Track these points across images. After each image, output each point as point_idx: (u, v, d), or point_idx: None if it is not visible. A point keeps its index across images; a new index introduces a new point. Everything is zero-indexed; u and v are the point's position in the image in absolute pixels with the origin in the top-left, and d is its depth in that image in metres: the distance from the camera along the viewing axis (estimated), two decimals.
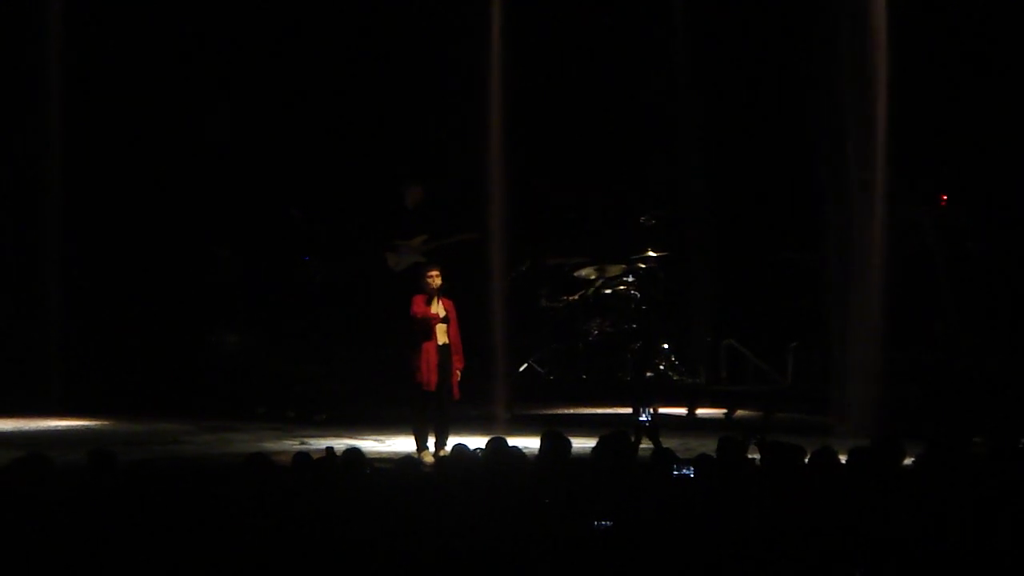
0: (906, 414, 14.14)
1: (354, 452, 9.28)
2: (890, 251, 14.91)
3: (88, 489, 8.39)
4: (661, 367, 17.31)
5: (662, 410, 14.00)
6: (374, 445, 13.57)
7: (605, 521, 8.23)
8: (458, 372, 13.07)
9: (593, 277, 17.63)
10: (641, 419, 13.16)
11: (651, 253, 17.55)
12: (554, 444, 9.48)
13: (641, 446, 11.71)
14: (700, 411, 16.22)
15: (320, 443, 13.30)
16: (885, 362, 14.65)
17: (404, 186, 17.00)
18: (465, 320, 13.37)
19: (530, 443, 10.29)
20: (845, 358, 15.02)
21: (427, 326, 12.91)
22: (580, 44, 18.00)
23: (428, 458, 12.66)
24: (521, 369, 17.35)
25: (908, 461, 9.25)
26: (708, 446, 9.85)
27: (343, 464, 9.09)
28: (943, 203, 16.93)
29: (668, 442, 11.98)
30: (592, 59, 18.10)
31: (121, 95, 17.20)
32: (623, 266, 17.59)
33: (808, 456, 9.10)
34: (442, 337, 12.97)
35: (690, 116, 18.08)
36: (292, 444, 13.60)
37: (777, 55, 17.19)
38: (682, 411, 16.06)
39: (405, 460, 9.60)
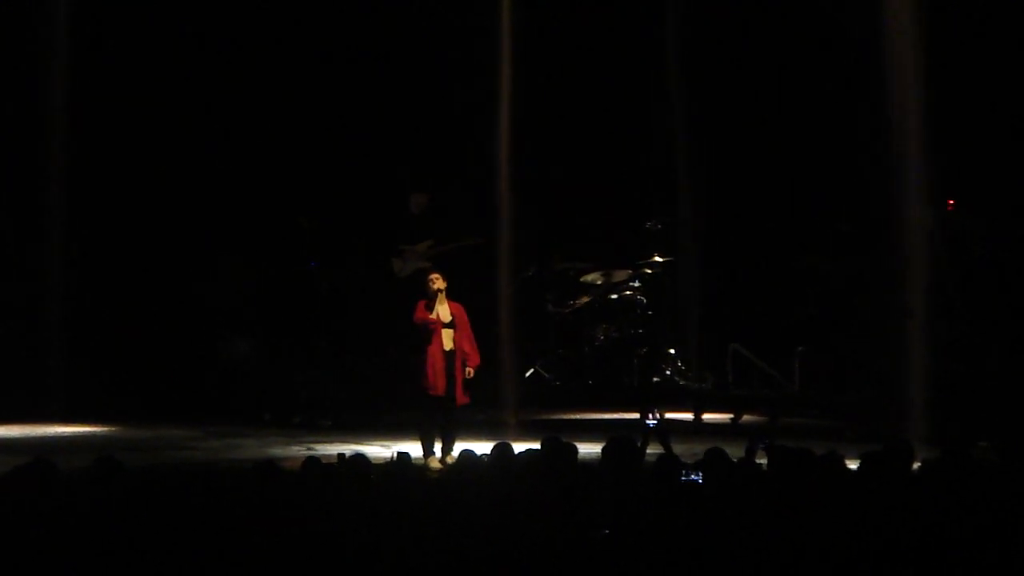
0: (913, 419, 14.09)
1: (360, 458, 9.27)
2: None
3: (94, 496, 8.37)
4: (667, 372, 17.29)
5: (668, 415, 13.95)
6: (380, 451, 13.53)
7: (606, 529, 8.20)
8: (471, 370, 12.93)
9: (599, 282, 17.61)
10: (648, 424, 13.12)
11: (657, 258, 17.55)
12: (552, 451, 9.45)
13: (647, 451, 11.70)
14: (707, 416, 16.17)
15: (326, 449, 13.28)
16: (902, 367, 14.54)
17: (409, 191, 17.05)
18: (473, 325, 13.30)
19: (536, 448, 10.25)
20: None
21: (427, 331, 12.83)
22: (582, 45, 17.97)
23: (434, 464, 12.63)
24: (527, 374, 17.32)
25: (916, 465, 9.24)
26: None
27: (349, 469, 9.08)
28: (950, 207, 16.86)
29: (675, 447, 11.95)
30: (596, 61, 18.06)
31: (125, 97, 17.19)
32: (629, 271, 17.58)
33: (816, 460, 9.07)
34: (448, 342, 12.87)
35: (698, 117, 18.04)
36: (299, 450, 13.59)
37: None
38: (689, 416, 16.03)
39: (411, 464, 9.58)
